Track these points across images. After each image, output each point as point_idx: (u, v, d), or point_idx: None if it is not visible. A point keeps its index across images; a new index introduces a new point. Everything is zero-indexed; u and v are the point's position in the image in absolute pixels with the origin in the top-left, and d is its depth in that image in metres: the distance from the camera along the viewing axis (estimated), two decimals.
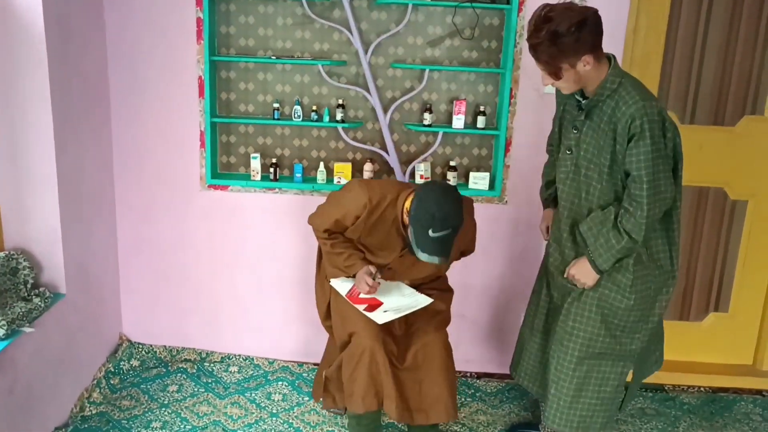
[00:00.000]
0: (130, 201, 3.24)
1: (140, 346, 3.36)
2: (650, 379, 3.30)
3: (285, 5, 3.06)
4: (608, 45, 2.95)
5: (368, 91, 3.11)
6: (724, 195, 3.28)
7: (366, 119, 3.18)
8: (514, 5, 2.94)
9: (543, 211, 2.74)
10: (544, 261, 2.63)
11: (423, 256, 2.31)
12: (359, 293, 2.52)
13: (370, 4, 3.05)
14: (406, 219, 2.43)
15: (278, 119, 3.11)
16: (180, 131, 3.14)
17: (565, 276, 2.43)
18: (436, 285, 2.74)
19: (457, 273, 3.23)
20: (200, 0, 2.95)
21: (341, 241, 2.57)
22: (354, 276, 2.56)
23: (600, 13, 2.89)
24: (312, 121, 3.10)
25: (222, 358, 3.37)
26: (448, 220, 2.26)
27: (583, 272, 2.34)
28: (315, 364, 3.36)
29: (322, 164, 3.17)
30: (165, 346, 3.38)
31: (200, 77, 3.05)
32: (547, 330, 2.59)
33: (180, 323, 3.39)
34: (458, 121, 3.08)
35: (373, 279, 2.48)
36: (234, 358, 3.37)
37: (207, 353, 3.38)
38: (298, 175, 3.16)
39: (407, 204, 2.41)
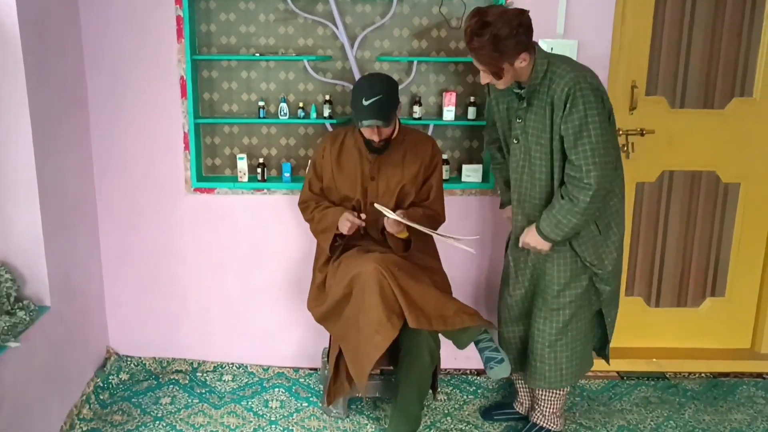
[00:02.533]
0: (113, 208, 3.12)
1: (129, 359, 3.24)
2: (651, 367, 3.31)
3: (267, 1, 2.98)
4: (596, 32, 2.96)
5: None
6: (716, 178, 3.27)
7: None
8: None
9: (505, 209, 2.80)
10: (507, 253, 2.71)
11: (363, 123, 2.54)
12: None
13: None
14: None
15: (264, 118, 3.02)
16: (162, 134, 3.04)
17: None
18: (436, 279, 2.70)
19: (453, 268, 3.19)
20: None
21: (322, 206, 2.76)
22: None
23: (588, 1, 2.91)
24: (299, 118, 3.02)
25: (215, 366, 3.26)
26: (375, 87, 2.54)
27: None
28: (311, 369, 3.27)
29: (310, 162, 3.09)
30: (155, 358, 3.27)
31: (182, 77, 2.95)
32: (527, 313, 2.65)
33: (169, 333, 3.27)
34: (448, 113, 3.02)
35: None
36: (227, 367, 3.27)
37: (199, 363, 3.27)
38: (287, 174, 3.08)
39: None
